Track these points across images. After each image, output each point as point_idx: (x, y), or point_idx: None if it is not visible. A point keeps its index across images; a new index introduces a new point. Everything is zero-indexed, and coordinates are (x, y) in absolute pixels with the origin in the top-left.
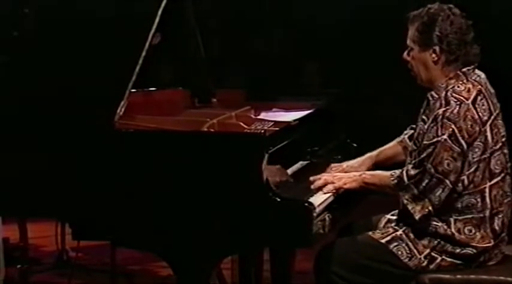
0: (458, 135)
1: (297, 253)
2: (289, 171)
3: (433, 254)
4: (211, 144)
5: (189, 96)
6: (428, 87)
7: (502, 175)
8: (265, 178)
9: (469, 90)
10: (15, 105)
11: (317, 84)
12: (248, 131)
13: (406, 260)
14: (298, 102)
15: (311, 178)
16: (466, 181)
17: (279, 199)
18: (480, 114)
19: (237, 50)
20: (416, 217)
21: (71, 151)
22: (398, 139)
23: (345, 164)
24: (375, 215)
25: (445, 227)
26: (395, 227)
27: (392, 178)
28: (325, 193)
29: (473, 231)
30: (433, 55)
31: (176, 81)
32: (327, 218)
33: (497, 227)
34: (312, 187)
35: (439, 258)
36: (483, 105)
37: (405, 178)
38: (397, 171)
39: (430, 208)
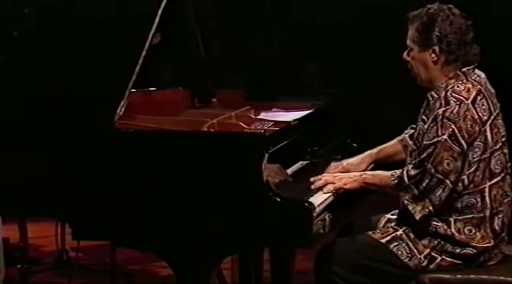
0: (458, 134)
1: (297, 253)
2: (289, 171)
3: (433, 254)
4: (211, 144)
5: (189, 96)
6: (428, 87)
7: (502, 175)
8: (265, 178)
9: (468, 90)
10: (15, 105)
11: (317, 84)
12: (248, 131)
13: (406, 260)
14: (298, 102)
15: (311, 179)
16: (466, 181)
17: (279, 199)
18: (480, 113)
19: (237, 50)
20: (417, 218)
21: (71, 151)
22: (399, 137)
23: (344, 162)
24: (375, 215)
25: (445, 227)
26: (396, 227)
27: (392, 179)
28: (325, 193)
29: (473, 231)
30: (433, 55)
31: (176, 81)
32: (327, 218)
33: (497, 227)
34: (312, 187)
35: (439, 258)
36: (483, 104)
37: (405, 179)
38: (398, 171)
39: (431, 208)
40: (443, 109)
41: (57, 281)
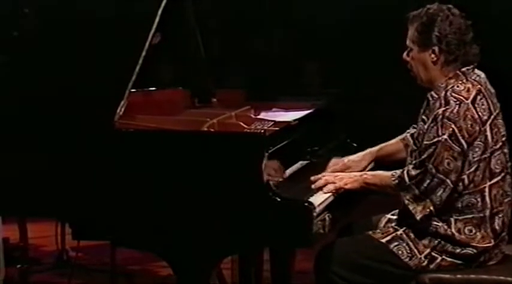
0: (458, 134)
1: (297, 253)
2: (289, 170)
3: (433, 254)
4: (211, 143)
5: (189, 96)
6: (428, 87)
7: (502, 174)
8: (265, 178)
9: (468, 90)
10: (15, 105)
11: (317, 84)
12: (248, 131)
13: (407, 260)
14: (298, 102)
15: (312, 178)
16: (466, 181)
17: (279, 199)
18: (480, 113)
19: (237, 50)
20: (418, 218)
21: (71, 151)
22: (401, 136)
23: (345, 158)
24: (375, 215)
25: (446, 227)
26: (396, 227)
27: (393, 179)
28: (325, 193)
29: (474, 231)
30: (433, 55)
31: (176, 81)
32: (327, 218)
33: (497, 227)
34: (313, 186)
35: (439, 258)
36: (483, 104)
37: (406, 179)
38: (398, 171)
39: (431, 208)
40: (443, 109)
41: (57, 281)
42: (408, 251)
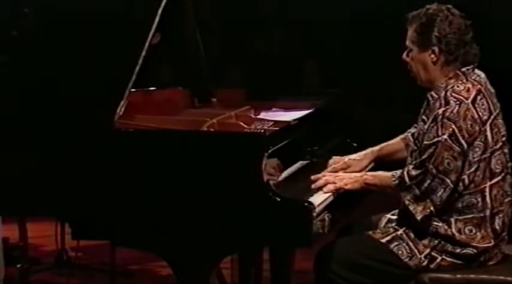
0: (458, 134)
1: (296, 253)
2: (289, 170)
3: (433, 254)
4: (211, 143)
5: (188, 96)
6: (428, 87)
7: (503, 174)
8: (265, 178)
9: (468, 90)
10: (15, 105)
11: (317, 84)
12: (248, 131)
13: (407, 260)
14: (298, 102)
15: (312, 177)
16: (466, 181)
17: (278, 199)
18: (480, 113)
19: (237, 50)
20: (418, 218)
21: (71, 151)
22: (402, 135)
23: (346, 158)
24: (375, 215)
25: (446, 227)
26: (396, 227)
27: (393, 179)
28: (325, 193)
29: (474, 231)
30: (432, 55)
31: (176, 81)
32: (327, 218)
33: (497, 227)
34: (313, 186)
35: (439, 258)
36: (483, 104)
37: (406, 179)
38: (398, 172)
39: (432, 208)
40: (443, 109)
41: (57, 281)
42: (408, 251)
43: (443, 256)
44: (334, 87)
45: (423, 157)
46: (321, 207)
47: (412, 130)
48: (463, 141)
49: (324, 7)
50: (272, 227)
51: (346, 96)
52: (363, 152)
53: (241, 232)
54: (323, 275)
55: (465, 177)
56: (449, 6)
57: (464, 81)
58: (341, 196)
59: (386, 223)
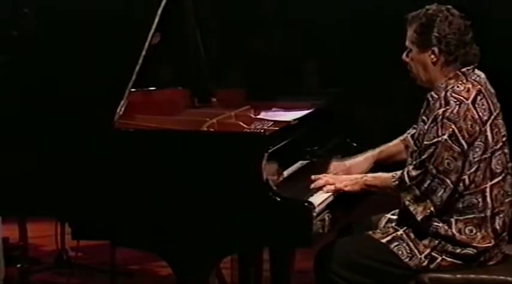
0: (458, 135)
1: (296, 253)
2: (289, 170)
3: (433, 254)
4: (211, 143)
5: (188, 96)
6: (428, 88)
7: (503, 174)
8: (265, 178)
9: (468, 90)
10: (15, 105)
11: (317, 84)
12: (248, 131)
13: (407, 260)
14: (298, 102)
15: (313, 177)
16: (467, 181)
17: (278, 199)
18: (480, 113)
19: (237, 50)
20: (419, 218)
21: (71, 151)
22: (401, 137)
23: (347, 162)
24: (375, 215)
25: (446, 227)
26: (396, 227)
27: (393, 180)
28: (325, 193)
29: (474, 231)
30: (432, 56)
31: (176, 80)
32: (327, 218)
33: (498, 227)
34: (312, 186)
35: (440, 258)
36: (483, 104)
37: (407, 179)
38: (398, 172)
39: (432, 209)
40: (443, 109)
41: (57, 281)
42: (408, 251)
43: (444, 256)
44: (334, 87)
45: (423, 157)
46: (321, 206)
47: (411, 131)
48: (463, 141)
49: (324, 7)
50: (272, 227)
51: (346, 96)
52: (363, 156)
53: (241, 232)
54: (323, 275)
55: (466, 177)
56: (449, 6)
57: (464, 81)
58: (341, 196)
59: (386, 223)
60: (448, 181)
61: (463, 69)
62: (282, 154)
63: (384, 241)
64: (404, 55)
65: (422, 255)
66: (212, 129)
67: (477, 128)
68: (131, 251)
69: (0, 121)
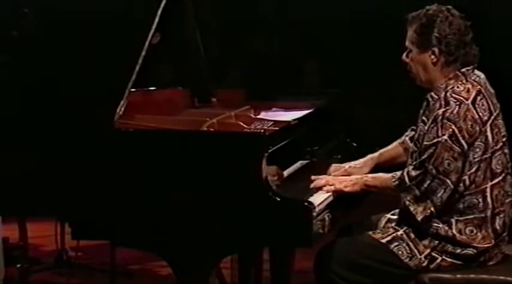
0: (458, 135)
1: (296, 252)
2: (289, 170)
3: (433, 254)
4: (211, 143)
5: (188, 96)
6: (428, 88)
7: (503, 175)
8: (264, 178)
9: (468, 90)
10: (15, 105)
11: (317, 84)
12: (248, 130)
13: (407, 260)
14: (298, 102)
15: (313, 177)
16: (467, 181)
17: (278, 199)
18: (480, 114)
19: (237, 50)
20: (419, 218)
21: (70, 151)
22: (399, 140)
23: (347, 165)
24: (375, 215)
25: (446, 228)
26: (396, 227)
27: (393, 180)
28: (325, 193)
29: (475, 231)
30: (432, 56)
31: (176, 80)
32: (327, 218)
33: (498, 227)
34: (312, 186)
35: (440, 258)
36: (483, 105)
37: (406, 180)
38: (398, 173)
39: (432, 209)
40: (443, 109)
41: (56, 281)
42: (408, 251)
43: (444, 257)
44: (334, 87)
45: (423, 157)
46: (321, 206)
47: (410, 133)
48: (463, 142)
49: (324, 7)
50: (272, 227)
51: (346, 96)
52: (363, 159)
53: (241, 232)
54: (323, 275)
55: (466, 177)
56: (449, 7)
57: (464, 81)
58: (341, 196)
59: (386, 223)
60: (448, 181)
61: (463, 70)
62: (282, 154)
63: (383, 241)
64: (404, 55)
65: (422, 255)
66: (212, 129)
67: (477, 128)
68: (131, 251)
69: (0, 121)
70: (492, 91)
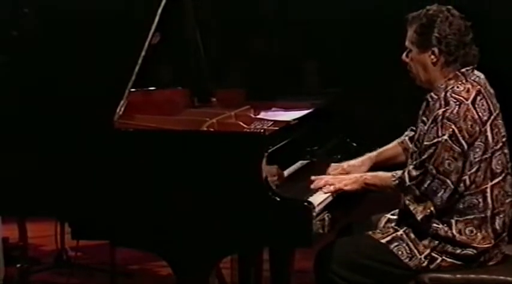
0: (458, 135)
1: (296, 252)
2: (289, 170)
3: (433, 254)
4: (210, 143)
5: (188, 96)
6: (428, 88)
7: (503, 175)
8: (264, 178)
9: (468, 90)
10: (15, 105)
11: (317, 84)
12: (248, 130)
13: (407, 260)
14: (298, 102)
15: (312, 178)
16: (467, 182)
17: (278, 199)
18: (480, 114)
19: (237, 50)
20: (419, 218)
21: (70, 151)
22: (398, 140)
23: (345, 164)
24: (375, 215)
25: (446, 229)
26: (396, 227)
27: (393, 179)
28: (324, 193)
29: (475, 232)
30: (432, 56)
31: (176, 80)
32: (326, 218)
33: (498, 227)
34: (312, 186)
35: (440, 258)
36: (483, 105)
37: (407, 179)
38: (399, 172)
39: (432, 209)
40: (443, 109)
41: (56, 281)
42: (408, 251)
43: (444, 257)
44: (334, 87)
45: (423, 157)
46: (321, 206)
47: (409, 133)
48: (463, 142)
49: (324, 7)
50: (272, 227)
51: (346, 96)
52: (361, 158)
53: (241, 232)
54: (323, 275)
55: (466, 177)
56: (450, 7)
57: (464, 81)
58: (341, 196)
59: (386, 223)
60: (449, 181)
61: (463, 70)
62: (282, 154)
63: (383, 241)
64: (404, 55)
65: (422, 255)
66: (212, 129)
67: (477, 128)
68: (131, 251)
69: (0, 121)
70: (492, 91)
